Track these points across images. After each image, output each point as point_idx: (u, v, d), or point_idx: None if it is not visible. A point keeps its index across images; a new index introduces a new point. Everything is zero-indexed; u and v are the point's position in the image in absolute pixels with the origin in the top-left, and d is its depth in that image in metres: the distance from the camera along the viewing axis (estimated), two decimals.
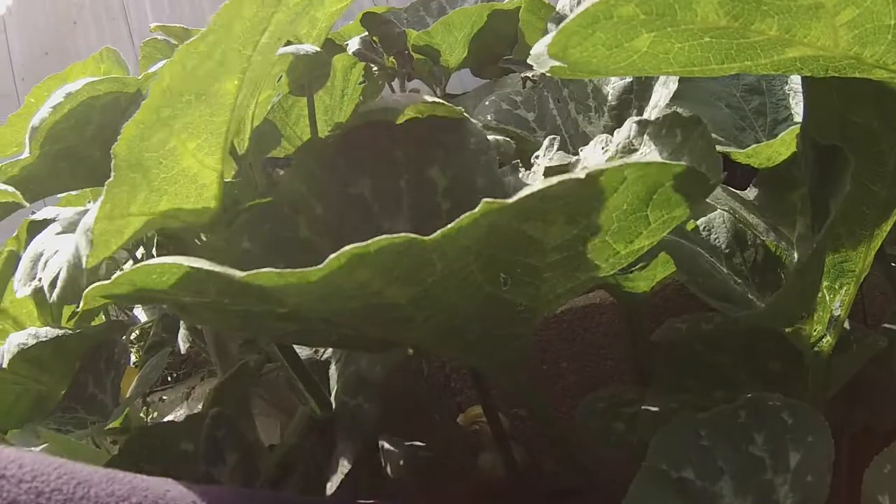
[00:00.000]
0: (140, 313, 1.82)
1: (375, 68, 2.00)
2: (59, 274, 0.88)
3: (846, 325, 0.90)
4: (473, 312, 0.70)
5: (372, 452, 1.09)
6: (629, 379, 1.16)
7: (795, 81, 1.08)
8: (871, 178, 0.74)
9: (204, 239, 0.97)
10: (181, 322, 1.43)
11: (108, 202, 0.78)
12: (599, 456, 0.92)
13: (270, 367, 1.48)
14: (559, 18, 1.42)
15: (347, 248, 0.52)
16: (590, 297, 1.23)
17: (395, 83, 2.10)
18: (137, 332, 1.86)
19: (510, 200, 0.55)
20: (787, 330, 0.83)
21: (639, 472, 0.74)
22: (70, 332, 1.39)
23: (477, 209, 0.54)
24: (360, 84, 1.70)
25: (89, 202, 1.50)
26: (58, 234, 1.03)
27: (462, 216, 0.54)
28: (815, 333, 0.83)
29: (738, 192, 0.97)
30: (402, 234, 0.53)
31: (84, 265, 0.81)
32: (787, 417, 0.72)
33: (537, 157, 0.93)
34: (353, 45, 1.98)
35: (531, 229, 0.62)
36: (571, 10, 1.38)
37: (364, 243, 0.52)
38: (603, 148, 0.84)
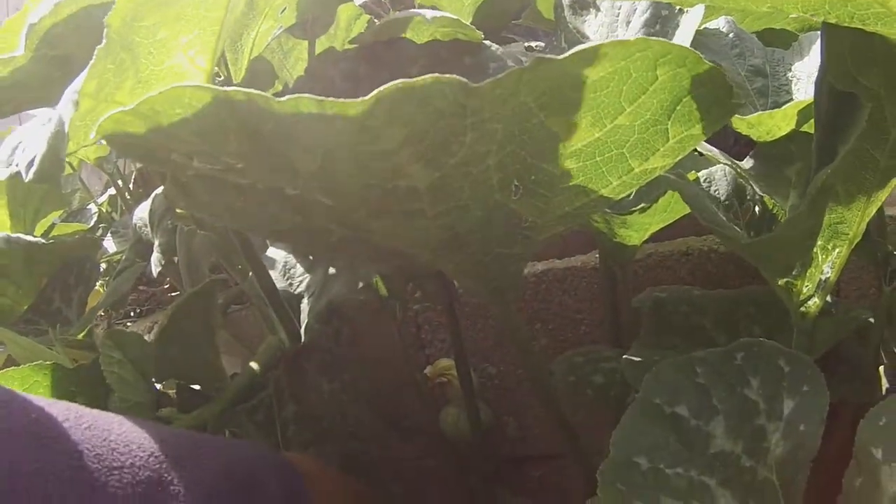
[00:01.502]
0: (109, 244, 1.80)
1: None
2: (36, 154, 0.86)
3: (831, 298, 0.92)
4: (481, 218, 0.70)
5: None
6: (604, 345, 1.16)
7: (798, 69, 1.10)
8: (874, 144, 0.75)
9: None
10: (155, 245, 1.42)
11: (96, 77, 0.77)
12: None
13: (237, 307, 1.47)
14: None
15: (395, 81, 0.52)
16: (570, 260, 1.24)
17: None
18: (105, 264, 1.85)
19: (562, 56, 0.55)
20: (778, 283, 0.84)
21: (630, 405, 0.74)
22: (43, 241, 1.38)
23: (526, 64, 0.54)
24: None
25: None
26: (41, 125, 1.01)
27: (508, 70, 0.54)
28: (804, 291, 0.84)
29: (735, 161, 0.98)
30: (452, 76, 0.53)
31: (66, 132, 0.79)
32: (784, 365, 0.72)
33: None
34: None
35: (556, 125, 0.62)
36: None
37: (413, 79, 0.52)
38: None
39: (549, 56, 0.53)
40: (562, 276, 1.22)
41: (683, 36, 0.87)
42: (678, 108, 0.65)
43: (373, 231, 0.73)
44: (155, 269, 1.38)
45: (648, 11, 0.97)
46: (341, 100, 0.52)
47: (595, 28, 1.35)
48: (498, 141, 0.61)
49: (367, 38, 0.97)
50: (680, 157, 0.71)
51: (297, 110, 0.52)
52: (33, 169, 0.87)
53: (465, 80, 0.52)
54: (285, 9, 1.09)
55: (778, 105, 1.06)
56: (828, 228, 0.82)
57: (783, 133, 0.97)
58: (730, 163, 0.91)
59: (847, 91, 0.73)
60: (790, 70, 1.10)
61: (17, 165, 0.99)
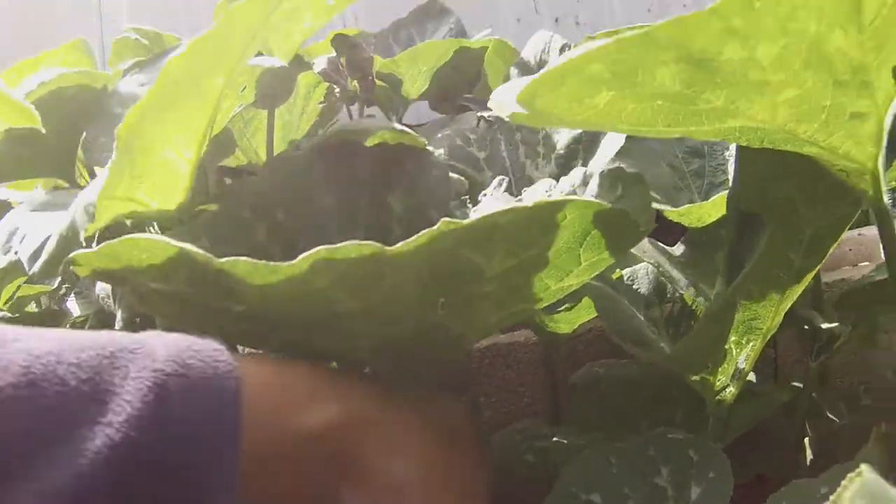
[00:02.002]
0: (73, 307, 1.84)
1: (337, 90, 2.08)
2: (42, 247, 0.93)
3: (753, 378, 0.98)
4: (412, 329, 0.76)
5: None
6: (542, 418, 1.21)
7: (734, 148, 1.15)
8: (788, 246, 0.80)
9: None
10: (117, 317, 1.47)
11: (106, 182, 0.85)
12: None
13: None
14: (522, 64, 1.53)
15: (319, 248, 0.59)
16: (514, 335, 1.29)
17: (354, 107, 2.18)
18: (68, 325, 1.88)
19: (466, 221, 0.61)
20: (692, 378, 0.89)
21: (551, 492, 0.80)
22: (7, 314, 1.43)
23: (436, 227, 0.61)
24: (319, 104, 1.77)
25: (37, 187, 1.54)
26: (32, 211, 1.08)
27: (421, 233, 0.61)
28: (718, 383, 0.89)
29: (666, 247, 1.04)
30: (369, 243, 0.60)
31: (82, 238, 0.86)
32: (693, 454, 0.78)
33: (485, 194, 1.00)
34: (320, 64, 2.05)
35: (477, 257, 0.68)
36: (535, 59, 1.49)
37: (334, 246, 0.59)
38: (547, 192, 0.92)
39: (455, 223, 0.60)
40: (505, 351, 1.27)
41: (605, 152, 0.94)
42: (588, 238, 0.72)
43: (314, 340, 0.79)
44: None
45: None
46: (273, 263, 0.59)
47: None
48: (421, 276, 0.68)
49: (321, 140, 1.04)
50: (594, 275, 0.78)
51: (236, 271, 0.59)
52: (38, 264, 0.95)
53: (378, 247, 0.59)
54: (245, 87, 1.16)
55: (714, 185, 1.12)
56: (742, 325, 0.86)
57: (713, 219, 1.02)
58: (653, 262, 0.97)
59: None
60: (727, 150, 1.16)
61: (16, 253, 1.03)
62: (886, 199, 0.73)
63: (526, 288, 0.76)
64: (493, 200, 0.98)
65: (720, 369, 0.88)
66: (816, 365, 1.02)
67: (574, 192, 0.88)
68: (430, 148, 1.03)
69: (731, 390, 0.90)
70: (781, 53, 0.56)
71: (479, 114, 1.76)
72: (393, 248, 0.61)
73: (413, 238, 0.61)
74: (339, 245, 0.60)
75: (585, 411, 1.05)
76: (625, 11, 3.62)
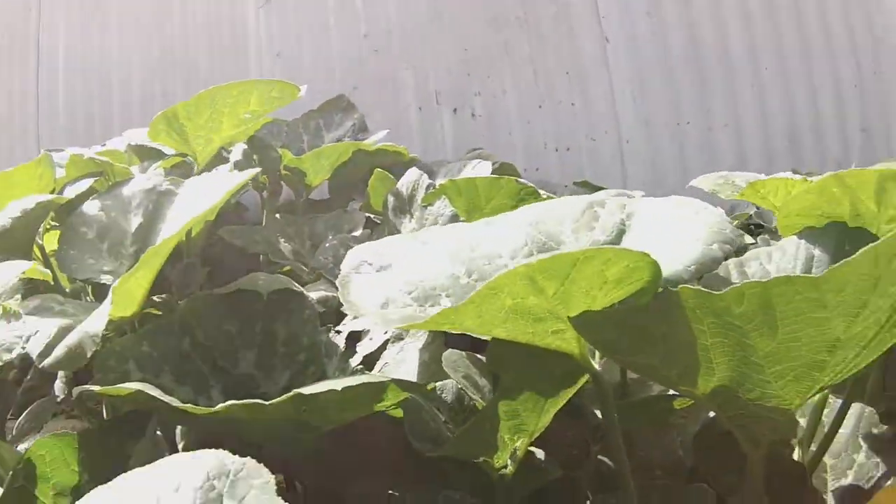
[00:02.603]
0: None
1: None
2: (56, 343, 1.24)
3: (540, 457, 1.32)
4: (285, 427, 1.18)
5: None
6: None
7: None
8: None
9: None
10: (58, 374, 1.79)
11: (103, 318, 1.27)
12: None
13: None
14: (397, 193, 1.91)
15: (229, 404, 1.03)
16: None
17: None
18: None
19: (308, 392, 1.04)
20: (476, 460, 1.24)
21: None
22: None
23: (290, 395, 1.04)
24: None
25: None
26: (27, 314, 1.40)
27: (285, 396, 1.04)
28: (498, 464, 1.24)
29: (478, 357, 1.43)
30: (255, 401, 1.03)
31: (88, 354, 1.23)
32: None
33: (344, 324, 1.43)
34: (236, 155, 2.46)
35: (325, 398, 1.09)
36: (406, 192, 1.88)
37: (234, 402, 1.02)
38: (384, 331, 1.36)
39: (302, 393, 1.03)
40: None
41: None
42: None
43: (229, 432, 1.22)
44: (61, 394, 1.77)
45: None
46: (202, 408, 1.03)
47: (409, 228, 1.84)
48: (287, 406, 1.11)
49: (228, 287, 1.46)
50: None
51: (180, 406, 1.03)
52: (53, 358, 1.25)
53: (261, 402, 1.03)
54: None
55: None
56: (511, 427, 1.20)
57: None
58: (460, 374, 1.37)
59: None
60: None
61: (23, 348, 1.28)
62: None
63: (357, 408, 1.19)
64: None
65: (496, 455, 1.23)
66: (596, 449, 1.39)
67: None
68: (302, 291, 1.45)
69: (510, 468, 1.24)
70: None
71: (366, 215, 2.19)
72: (270, 402, 1.04)
73: (281, 398, 1.04)
74: (241, 401, 1.03)
75: None
76: (519, 106, 3.97)
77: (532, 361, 1.15)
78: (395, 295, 1.11)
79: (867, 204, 1.24)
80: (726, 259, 1.15)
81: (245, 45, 3.85)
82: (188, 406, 1.06)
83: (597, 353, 1.17)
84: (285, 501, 0.76)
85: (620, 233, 1.18)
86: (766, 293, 0.86)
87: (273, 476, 0.79)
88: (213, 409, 1.05)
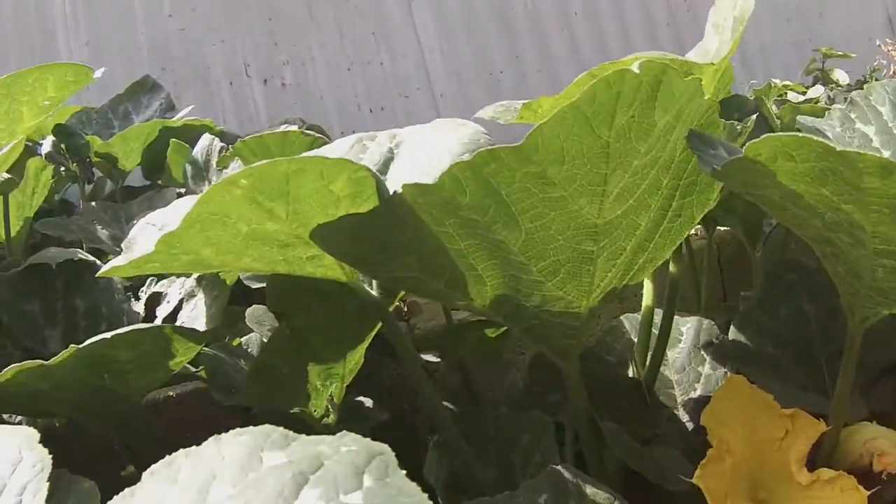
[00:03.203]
0: None
1: (63, 169, 2.45)
2: None
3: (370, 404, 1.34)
4: (91, 396, 1.16)
5: None
6: None
7: None
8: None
9: None
10: None
11: None
12: None
13: None
14: (193, 161, 1.90)
15: (11, 367, 1.01)
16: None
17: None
18: None
19: (85, 344, 1.03)
20: (293, 411, 1.22)
21: None
22: None
23: (67, 350, 1.02)
24: (51, 181, 2.11)
25: None
26: None
27: (62, 352, 1.02)
28: (316, 413, 1.22)
29: None
30: (37, 361, 1.01)
31: None
32: None
33: (142, 290, 1.43)
34: (46, 147, 2.41)
35: (107, 352, 1.08)
36: (202, 158, 1.88)
37: (17, 365, 1.01)
38: (178, 291, 1.36)
39: (77, 348, 1.02)
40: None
41: None
42: (170, 347, 1.15)
43: (33, 406, 1.21)
44: None
45: None
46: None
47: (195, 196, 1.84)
48: (80, 364, 1.09)
49: (25, 265, 1.44)
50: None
51: None
52: None
53: (40, 362, 1.01)
54: None
55: None
56: (322, 373, 1.20)
57: None
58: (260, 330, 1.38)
59: None
60: None
61: None
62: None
63: (148, 367, 1.18)
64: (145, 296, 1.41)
65: (312, 404, 1.22)
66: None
67: (192, 292, 1.32)
68: (98, 262, 1.44)
69: (332, 417, 1.23)
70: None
71: (176, 191, 2.18)
72: (50, 360, 1.02)
73: (59, 354, 1.02)
74: (23, 363, 1.01)
75: None
76: (328, 71, 3.97)
77: (319, 298, 1.15)
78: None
79: None
80: None
81: (54, 36, 3.79)
82: None
83: (375, 282, 1.17)
84: None
85: (388, 161, 1.17)
86: (479, 173, 0.84)
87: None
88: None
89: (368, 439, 0.57)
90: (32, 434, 0.79)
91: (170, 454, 1.22)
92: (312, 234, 0.93)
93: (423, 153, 1.14)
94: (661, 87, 0.85)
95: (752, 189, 0.98)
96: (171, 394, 1.50)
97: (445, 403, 1.39)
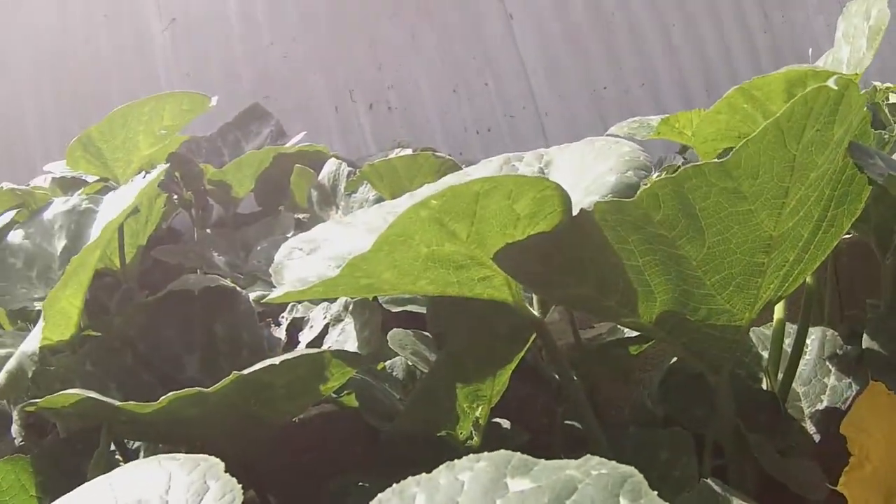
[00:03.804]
0: None
1: (176, 198, 2.47)
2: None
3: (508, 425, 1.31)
4: (236, 421, 1.17)
5: None
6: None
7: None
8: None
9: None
10: (13, 418, 1.77)
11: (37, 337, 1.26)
12: None
13: None
14: (319, 186, 1.92)
15: (168, 395, 1.01)
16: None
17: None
18: None
19: (247, 371, 1.03)
20: (439, 434, 1.22)
21: None
22: None
23: (229, 378, 1.02)
24: (162, 209, 2.13)
25: None
26: None
27: (224, 380, 1.03)
28: (461, 436, 1.21)
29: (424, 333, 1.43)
30: (195, 389, 1.02)
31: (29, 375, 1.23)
32: None
33: (283, 316, 1.43)
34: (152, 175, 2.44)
35: (264, 378, 1.09)
36: (329, 183, 1.89)
37: (174, 393, 1.01)
38: (323, 315, 1.35)
39: (238, 374, 1.02)
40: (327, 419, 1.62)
41: None
42: (324, 373, 1.15)
43: (178, 433, 1.21)
44: (18, 439, 1.76)
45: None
46: (143, 403, 1.02)
47: (337, 215, 1.84)
48: (231, 394, 1.10)
49: (163, 293, 1.44)
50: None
51: (124, 406, 1.01)
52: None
53: (198, 389, 1.02)
54: None
55: None
56: (469, 395, 1.19)
57: None
58: (405, 355, 1.37)
59: None
60: None
61: None
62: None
63: (301, 393, 1.18)
64: (285, 323, 1.41)
65: (458, 426, 1.21)
66: (561, 410, 1.37)
67: (339, 315, 1.32)
68: (238, 288, 1.44)
69: (475, 439, 1.22)
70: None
71: (295, 216, 2.19)
72: (209, 388, 1.03)
73: (220, 382, 1.03)
74: (181, 391, 1.02)
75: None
76: (433, 94, 3.98)
77: (473, 320, 1.15)
78: (320, 269, 1.11)
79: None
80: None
81: (154, 69, 3.83)
82: (129, 404, 1.05)
83: (535, 301, 1.17)
84: None
85: None
86: (679, 189, 0.84)
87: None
88: (153, 405, 1.04)
89: (614, 462, 0.55)
90: (217, 463, 0.77)
91: (295, 479, 1.22)
92: (497, 256, 0.93)
93: (578, 171, 1.13)
94: (842, 101, 0.85)
95: None
96: (295, 419, 1.48)
97: (573, 423, 1.40)
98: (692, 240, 0.90)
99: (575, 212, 0.92)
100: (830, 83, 0.81)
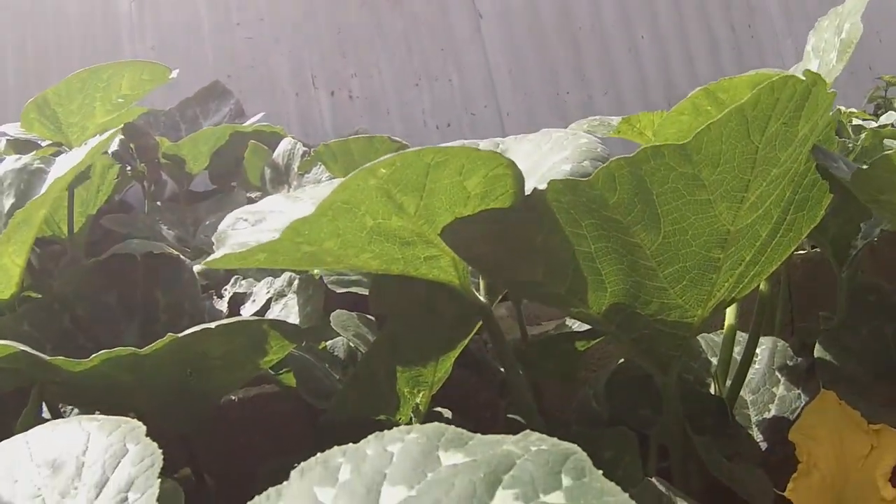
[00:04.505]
0: None
1: (129, 169, 2.43)
2: None
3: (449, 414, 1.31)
4: (172, 391, 1.14)
5: None
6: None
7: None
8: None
9: None
10: None
11: None
12: None
13: None
14: (273, 165, 1.90)
15: (101, 353, 0.98)
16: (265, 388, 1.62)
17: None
18: None
19: (182, 334, 1.00)
20: (378, 417, 1.20)
21: None
22: None
23: (164, 339, 0.99)
24: (115, 180, 2.10)
25: None
26: None
27: (158, 341, 0.99)
28: (401, 421, 1.18)
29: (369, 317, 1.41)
30: (129, 348, 0.98)
31: None
32: None
33: (225, 289, 1.40)
34: (114, 145, 2.40)
35: (201, 345, 1.06)
36: (283, 162, 1.87)
37: (107, 351, 0.98)
38: (266, 290, 1.33)
39: (173, 337, 0.99)
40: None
41: None
42: (263, 345, 1.12)
43: (108, 399, 1.18)
44: None
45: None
46: (74, 360, 0.99)
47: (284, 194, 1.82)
48: (167, 360, 1.07)
49: (105, 256, 1.41)
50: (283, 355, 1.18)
51: (55, 361, 0.98)
52: None
53: (133, 349, 0.98)
54: None
55: None
56: (410, 380, 1.17)
57: None
58: (348, 336, 1.36)
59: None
60: None
61: None
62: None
63: (236, 366, 1.15)
64: (227, 296, 1.38)
65: (397, 411, 1.20)
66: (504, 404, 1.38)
67: (283, 291, 1.29)
68: (182, 257, 1.41)
69: (415, 422, 1.20)
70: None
71: (247, 194, 2.16)
72: (144, 349, 1.00)
73: (155, 343, 1.00)
74: (113, 349, 0.98)
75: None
76: (396, 85, 3.97)
77: (417, 302, 1.13)
78: (261, 238, 1.08)
79: None
80: None
81: (119, 39, 3.79)
82: (60, 359, 1.01)
83: (482, 288, 1.15)
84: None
85: None
86: (636, 171, 0.82)
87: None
88: (85, 361, 1.00)
89: (555, 438, 0.53)
90: (138, 426, 0.75)
91: (232, 458, 1.19)
92: (444, 232, 0.91)
93: (534, 160, 1.11)
94: (809, 97, 0.84)
95: (884, 194, 0.97)
96: (234, 398, 1.48)
97: (516, 417, 1.38)
98: (647, 227, 0.88)
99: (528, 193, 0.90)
100: (798, 75, 0.80)
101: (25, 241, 1.28)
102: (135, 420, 0.76)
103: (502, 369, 1.36)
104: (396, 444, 0.57)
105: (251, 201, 2.17)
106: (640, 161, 0.82)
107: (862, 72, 4.65)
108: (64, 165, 1.42)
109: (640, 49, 4.28)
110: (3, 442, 0.80)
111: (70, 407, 1.33)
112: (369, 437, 0.59)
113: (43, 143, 2.31)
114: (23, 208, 1.24)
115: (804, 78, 0.80)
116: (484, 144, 1.21)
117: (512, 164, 0.86)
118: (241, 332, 1.08)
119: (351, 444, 0.60)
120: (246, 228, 1.14)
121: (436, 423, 0.56)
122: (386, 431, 0.59)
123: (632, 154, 0.82)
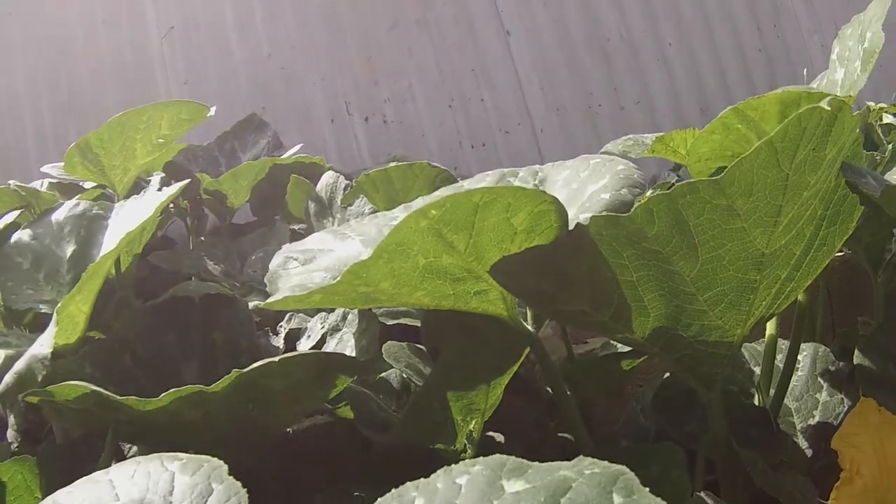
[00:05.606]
0: None
1: (172, 206, 2.48)
2: (4, 371, 1.23)
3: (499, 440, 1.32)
4: (235, 426, 1.18)
5: None
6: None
7: None
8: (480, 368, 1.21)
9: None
10: (10, 421, 1.77)
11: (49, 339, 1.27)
12: None
13: None
14: (316, 198, 1.93)
15: (170, 391, 1.02)
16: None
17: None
18: None
19: (246, 369, 1.05)
20: (436, 447, 1.22)
21: None
22: None
23: (230, 375, 1.04)
24: (159, 218, 2.13)
25: None
26: None
27: (224, 378, 1.04)
28: (457, 448, 1.22)
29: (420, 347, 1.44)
30: (197, 386, 1.03)
31: (38, 378, 1.22)
32: None
33: (282, 325, 1.44)
34: (155, 183, 2.44)
35: (264, 380, 1.10)
36: (326, 195, 1.90)
37: (176, 389, 1.02)
38: (321, 325, 1.37)
39: (238, 372, 1.04)
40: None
41: None
42: (325, 377, 1.16)
43: (174, 438, 1.22)
44: (14, 442, 1.76)
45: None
46: (144, 399, 1.03)
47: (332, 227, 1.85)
48: (231, 396, 1.11)
49: (163, 298, 1.46)
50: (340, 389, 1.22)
51: (126, 401, 1.02)
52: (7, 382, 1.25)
53: (200, 387, 1.03)
54: None
55: None
56: (462, 409, 1.20)
57: None
58: (400, 367, 1.38)
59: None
60: None
61: None
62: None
63: (300, 397, 1.19)
64: (283, 332, 1.42)
65: (452, 439, 1.21)
66: (554, 425, 1.39)
67: (337, 325, 1.33)
68: (237, 296, 1.45)
69: (469, 452, 1.23)
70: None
71: (290, 226, 2.20)
72: (210, 386, 1.04)
73: (221, 380, 1.04)
74: (182, 387, 1.03)
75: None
76: (429, 108, 3.99)
77: (467, 333, 1.16)
78: (316, 278, 1.12)
79: None
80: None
81: (152, 76, 3.83)
82: (131, 399, 1.05)
83: (529, 316, 1.18)
84: None
85: None
86: (673, 205, 0.86)
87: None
88: (154, 401, 1.05)
89: (606, 461, 0.57)
90: (220, 465, 0.78)
91: (289, 490, 1.22)
92: (493, 269, 0.95)
93: (573, 188, 1.14)
94: (836, 122, 0.87)
95: None
96: (288, 430, 1.50)
97: (565, 435, 1.42)
98: (685, 256, 0.92)
99: (570, 227, 0.94)
100: (824, 104, 0.83)
101: (92, 290, 1.34)
102: (216, 459, 0.79)
103: (550, 390, 1.38)
104: (463, 476, 0.62)
105: (294, 234, 2.22)
106: (677, 196, 0.86)
107: (889, 63, 4.65)
108: (132, 219, 1.47)
109: (668, 56, 4.29)
110: (83, 480, 0.83)
111: (129, 445, 1.37)
112: (438, 471, 0.63)
113: (86, 185, 2.36)
114: (95, 262, 1.30)
115: (829, 108, 0.83)
116: (523, 173, 1.24)
117: (555, 201, 0.90)
118: (302, 366, 1.12)
119: (422, 479, 0.63)
120: (297, 268, 1.18)
121: (497, 455, 0.61)
122: (454, 466, 0.63)
123: (669, 190, 0.86)
